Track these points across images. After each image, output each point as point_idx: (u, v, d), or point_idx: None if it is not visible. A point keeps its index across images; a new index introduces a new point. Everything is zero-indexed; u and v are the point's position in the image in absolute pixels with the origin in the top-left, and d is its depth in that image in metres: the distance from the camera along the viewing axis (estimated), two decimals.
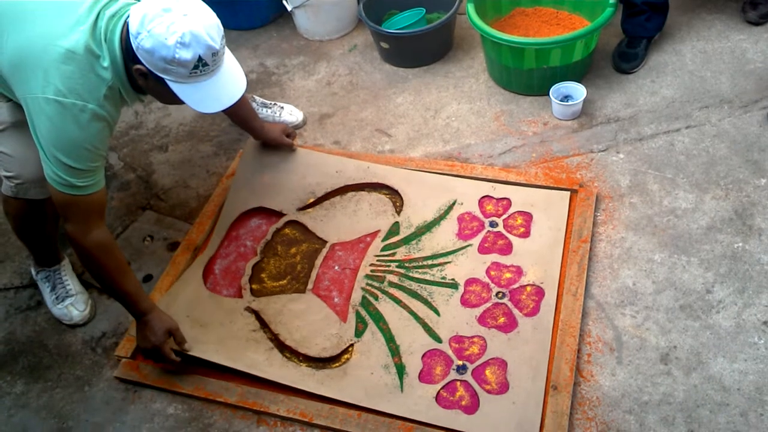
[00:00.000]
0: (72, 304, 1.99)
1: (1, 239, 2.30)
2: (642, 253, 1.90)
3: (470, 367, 1.71)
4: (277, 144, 2.20)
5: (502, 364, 1.69)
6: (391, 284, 1.91)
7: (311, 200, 2.14)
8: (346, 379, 1.72)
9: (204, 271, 2.01)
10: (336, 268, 1.98)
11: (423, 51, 2.63)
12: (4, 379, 1.91)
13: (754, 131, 2.15)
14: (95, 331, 1.98)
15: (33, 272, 2.08)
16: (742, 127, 2.17)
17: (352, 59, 2.77)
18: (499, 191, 2.07)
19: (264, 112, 2.43)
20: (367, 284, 1.92)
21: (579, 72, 2.38)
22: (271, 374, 1.73)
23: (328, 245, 2.03)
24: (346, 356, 1.78)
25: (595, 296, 1.82)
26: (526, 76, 2.35)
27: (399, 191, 2.12)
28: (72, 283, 2.03)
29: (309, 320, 1.87)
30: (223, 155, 2.45)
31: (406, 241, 2.01)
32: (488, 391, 1.65)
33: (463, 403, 1.65)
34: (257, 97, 2.49)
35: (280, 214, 2.12)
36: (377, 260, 1.98)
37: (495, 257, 1.92)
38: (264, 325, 1.87)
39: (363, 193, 2.16)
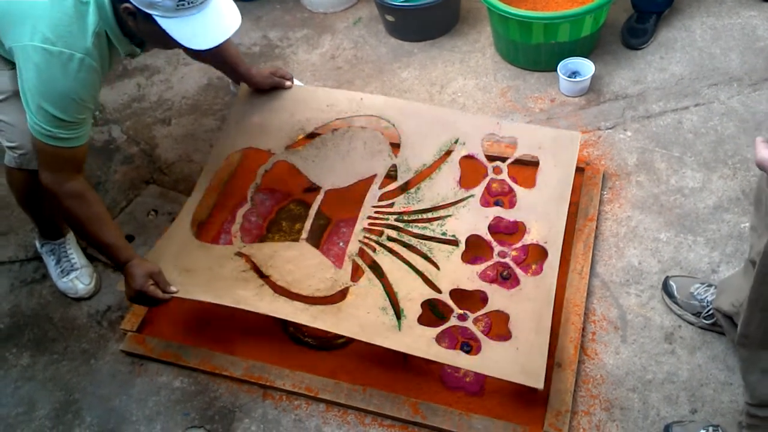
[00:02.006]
0: (77, 277, 2.00)
1: (5, 212, 2.29)
2: (648, 232, 1.89)
3: (471, 316, 1.67)
4: (269, 86, 2.08)
5: (504, 316, 1.65)
6: (390, 239, 1.84)
7: (300, 137, 2.04)
8: (341, 315, 1.66)
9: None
10: (340, 244, 1.98)
11: (429, 24, 2.60)
12: (10, 351, 1.92)
13: (763, 110, 2.13)
14: (100, 304, 1.98)
15: (38, 245, 2.07)
16: (751, 105, 2.15)
17: (357, 32, 2.74)
18: (505, 130, 1.92)
19: None
20: (365, 237, 1.85)
21: (587, 48, 2.36)
22: (261, 308, 1.67)
23: (322, 191, 1.94)
24: (340, 297, 1.72)
25: (600, 275, 1.82)
26: (534, 51, 2.32)
27: (395, 126, 1.99)
28: (77, 257, 2.03)
29: (302, 265, 1.80)
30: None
31: (405, 190, 1.92)
32: (490, 338, 1.61)
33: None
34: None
35: (268, 154, 2.03)
36: (375, 212, 1.90)
37: (497, 211, 1.85)
38: (255, 268, 1.80)
39: (356, 129, 2.02)
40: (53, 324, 1.96)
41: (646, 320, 1.73)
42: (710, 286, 1.68)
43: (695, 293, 1.68)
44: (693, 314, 1.68)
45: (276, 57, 2.69)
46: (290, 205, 2.11)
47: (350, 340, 1.77)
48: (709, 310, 1.64)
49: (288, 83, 2.08)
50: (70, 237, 2.05)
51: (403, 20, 2.58)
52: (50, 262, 2.03)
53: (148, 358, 1.82)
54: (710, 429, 1.45)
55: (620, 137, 2.14)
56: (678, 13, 2.49)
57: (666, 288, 1.74)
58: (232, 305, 1.68)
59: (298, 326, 1.81)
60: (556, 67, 2.29)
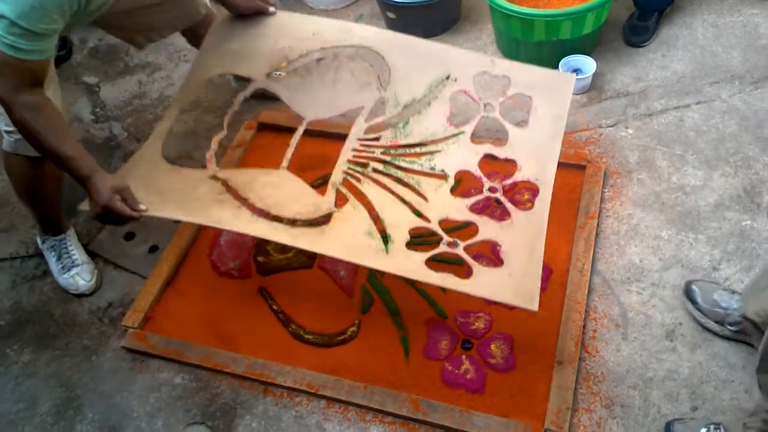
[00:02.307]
0: (78, 273, 2.00)
1: (6, 208, 2.29)
2: (649, 230, 1.89)
3: (461, 243, 1.61)
4: (252, 11, 1.94)
5: (495, 245, 1.61)
6: (375, 171, 1.77)
7: (283, 65, 1.93)
8: (324, 237, 1.61)
9: (210, 244, 2.02)
10: None
11: (430, 22, 2.59)
12: (12, 347, 1.92)
13: (764, 107, 2.13)
14: (101, 301, 1.98)
15: (39, 241, 2.07)
16: (752, 103, 2.15)
17: None
18: (498, 68, 1.80)
19: None
20: (349, 168, 1.77)
21: (589, 45, 2.35)
22: (238, 227, 1.61)
23: (304, 122, 1.87)
24: (323, 222, 1.66)
25: (601, 272, 1.82)
26: (535, 48, 2.32)
27: (385, 58, 1.87)
28: (78, 253, 2.03)
29: (283, 189, 1.74)
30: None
31: (393, 124, 1.82)
32: (481, 263, 1.57)
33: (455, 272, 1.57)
34: None
35: (248, 81, 1.92)
36: (360, 145, 1.82)
37: (488, 148, 1.75)
38: (231, 192, 1.72)
39: (344, 59, 1.89)
40: (54, 320, 1.96)
41: (647, 318, 1.73)
42: (734, 293, 1.64)
43: (719, 300, 1.63)
44: (716, 322, 1.64)
45: None
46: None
47: (351, 337, 1.77)
48: (735, 320, 1.59)
49: (272, 9, 1.95)
50: (71, 233, 2.06)
51: (405, 17, 2.58)
52: (51, 258, 2.03)
53: (150, 355, 1.82)
54: (711, 427, 1.45)
55: (622, 135, 2.13)
56: (680, 10, 2.49)
57: (689, 293, 1.70)
58: (208, 224, 1.63)
59: (299, 324, 1.82)
60: (558, 64, 2.29)
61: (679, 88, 2.24)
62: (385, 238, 1.61)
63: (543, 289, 1.75)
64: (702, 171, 2.01)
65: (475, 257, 1.58)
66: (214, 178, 1.76)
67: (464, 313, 1.77)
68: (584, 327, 1.71)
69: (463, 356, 1.70)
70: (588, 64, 2.27)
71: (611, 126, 2.17)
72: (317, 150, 2.23)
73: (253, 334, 1.82)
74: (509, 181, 1.71)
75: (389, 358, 1.72)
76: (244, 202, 1.69)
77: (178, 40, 2.66)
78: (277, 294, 1.89)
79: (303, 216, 1.66)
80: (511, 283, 1.50)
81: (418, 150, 1.79)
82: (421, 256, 1.57)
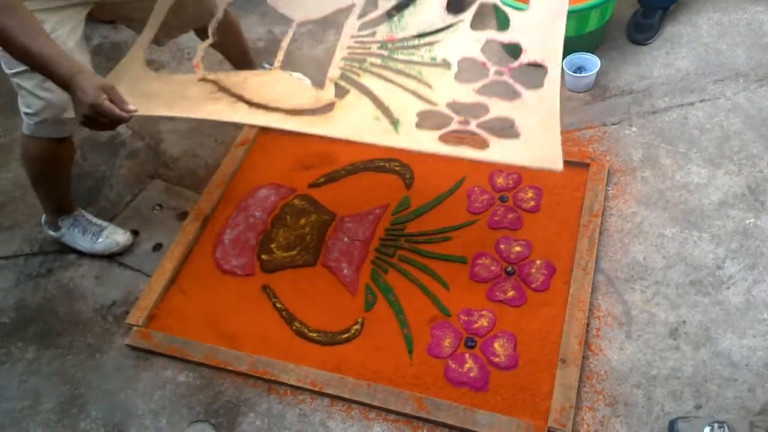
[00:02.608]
0: (111, 234, 2.06)
1: (10, 206, 2.29)
2: (653, 228, 1.89)
3: (474, 121, 1.58)
4: None
5: (509, 120, 1.55)
6: (373, 65, 1.70)
7: None
8: (329, 122, 1.54)
9: (214, 242, 2.02)
10: (345, 239, 1.98)
11: None
12: (16, 345, 1.93)
13: None
14: (106, 299, 1.99)
15: (52, 232, 2.09)
16: (757, 101, 2.15)
17: None
18: None
19: None
20: (346, 64, 1.70)
21: (592, 43, 2.35)
22: (239, 118, 1.56)
23: (294, 24, 1.82)
24: (327, 111, 1.61)
25: (605, 271, 1.82)
26: None
27: None
28: (97, 220, 2.08)
29: (277, 86, 1.68)
30: (231, 125, 2.42)
31: (387, 18, 1.78)
32: (496, 136, 1.52)
33: (471, 143, 1.56)
34: (266, 64, 2.47)
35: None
36: (354, 42, 1.75)
37: (489, 33, 1.69)
38: (225, 90, 1.66)
39: None
40: (58, 318, 1.97)
41: (651, 316, 1.72)
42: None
43: None
44: None
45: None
46: (294, 200, 2.11)
47: (355, 335, 1.77)
48: None
49: None
50: (80, 209, 2.09)
51: None
52: (76, 234, 2.06)
53: (153, 353, 1.83)
54: (715, 425, 1.45)
55: (625, 133, 2.13)
56: (684, 8, 2.48)
57: None
58: (203, 116, 1.55)
59: (303, 321, 1.82)
60: (561, 62, 2.28)
61: (683, 85, 2.24)
62: (394, 122, 1.55)
63: (546, 288, 1.77)
64: (706, 169, 2.00)
65: (487, 132, 1.52)
66: (204, 80, 1.68)
67: (468, 311, 1.77)
68: (588, 325, 1.71)
69: (467, 354, 1.70)
70: (592, 61, 2.26)
71: (615, 124, 2.16)
72: (321, 148, 2.23)
73: (256, 332, 1.82)
74: (515, 64, 1.66)
75: (393, 356, 1.72)
76: (240, 98, 1.61)
77: (182, 37, 2.66)
78: (281, 292, 1.89)
79: (304, 107, 1.58)
80: (530, 149, 1.44)
81: (416, 42, 1.73)
82: (433, 134, 1.52)
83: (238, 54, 2.21)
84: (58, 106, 1.67)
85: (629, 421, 1.56)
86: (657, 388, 1.60)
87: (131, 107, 1.44)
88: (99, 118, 1.41)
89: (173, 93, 1.64)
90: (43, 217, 2.09)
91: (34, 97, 1.68)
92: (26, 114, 1.74)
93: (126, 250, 2.08)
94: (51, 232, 2.10)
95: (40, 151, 1.83)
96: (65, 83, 1.41)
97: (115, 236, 2.06)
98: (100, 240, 2.04)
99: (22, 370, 1.87)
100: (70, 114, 1.50)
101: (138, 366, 1.82)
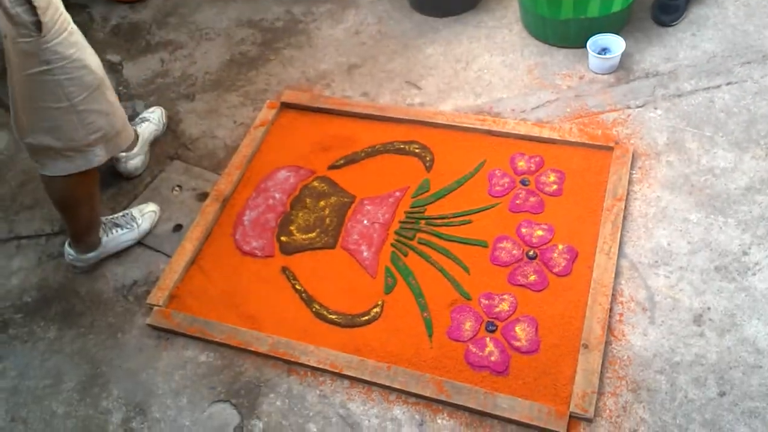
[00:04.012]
0: (142, 211, 2.06)
1: (31, 185, 2.30)
2: (678, 213, 1.86)
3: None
4: None
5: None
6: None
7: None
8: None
9: (233, 223, 2.02)
10: (365, 222, 1.97)
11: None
12: (38, 324, 1.94)
13: None
14: (126, 279, 1.99)
15: (92, 252, 1.98)
16: None
17: (381, 7, 2.70)
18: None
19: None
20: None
21: (617, 24, 2.30)
22: None
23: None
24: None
25: (628, 255, 1.80)
26: (563, 26, 2.27)
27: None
28: (118, 213, 2.04)
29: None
30: (249, 105, 2.42)
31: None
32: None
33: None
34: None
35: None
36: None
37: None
38: None
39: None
40: (80, 298, 1.98)
41: (675, 302, 1.70)
42: None
43: None
44: None
45: (299, 32, 2.66)
46: (314, 182, 2.10)
47: (375, 318, 1.77)
48: None
49: None
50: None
51: None
52: (118, 235, 2.00)
53: (174, 333, 1.83)
54: None
55: (650, 116, 2.09)
56: None
57: None
58: None
59: (322, 303, 1.82)
60: (585, 43, 2.24)
61: (709, 68, 2.19)
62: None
63: (569, 272, 1.76)
64: (732, 153, 1.96)
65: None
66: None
67: (488, 295, 1.76)
68: (611, 310, 1.69)
69: (487, 338, 1.69)
70: (616, 43, 2.22)
71: (640, 107, 2.12)
72: (340, 131, 2.22)
73: (275, 313, 1.82)
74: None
75: (413, 340, 1.72)
76: None
77: (200, 17, 2.65)
78: (300, 274, 1.89)
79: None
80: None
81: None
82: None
83: None
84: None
85: (652, 408, 1.55)
86: (680, 375, 1.59)
87: None
88: None
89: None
90: (71, 250, 1.97)
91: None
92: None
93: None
94: (91, 254, 1.98)
95: (63, 187, 1.78)
96: None
97: (147, 209, 2.07)
98: (140, 221, 2.03)
99: (44, 348, 1.88)
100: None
101: (159, 346, 1.83)
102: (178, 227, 2.09)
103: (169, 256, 1.99)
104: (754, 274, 1.72)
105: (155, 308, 1.86)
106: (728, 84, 2.14)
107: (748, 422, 1.49)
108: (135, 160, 2.21)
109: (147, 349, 1.83)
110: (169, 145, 2.34)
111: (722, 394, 1.55)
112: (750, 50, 2.22)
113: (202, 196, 2.14)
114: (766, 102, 2.06)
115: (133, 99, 2.53)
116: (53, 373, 1.83)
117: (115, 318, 1.91)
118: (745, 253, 1.76)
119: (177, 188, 2.20)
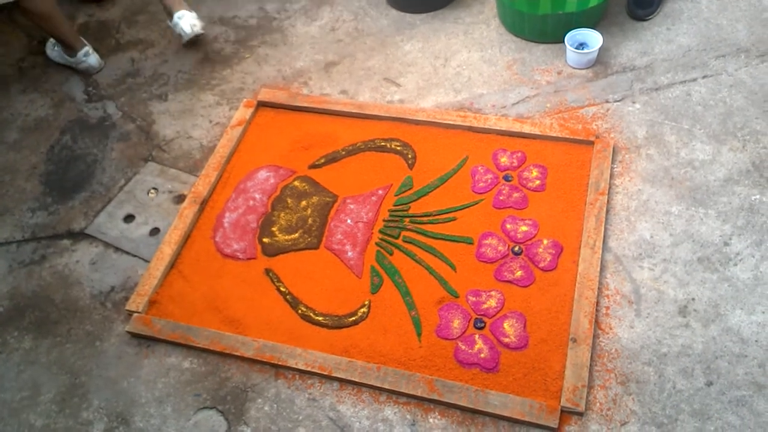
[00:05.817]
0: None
1: (0, 191, 2.23)
2: (659, 206, 1.88)
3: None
4: None
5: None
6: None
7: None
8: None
9: (213, 225, 1.97)
10: (348, 221, 1.94)
11: None
12: (11, 334, 1.87)
13: None
14: (103, 285, 1.93)
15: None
16: (759, 77, 2.13)
17: (357, 3, 2.67)
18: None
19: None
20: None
21: (594, 18, 2.31)
22: None
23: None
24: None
25: (612, 249, 1.81)
26: (540, 22, 2.27)
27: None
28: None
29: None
30: (225, 104, 2.37)
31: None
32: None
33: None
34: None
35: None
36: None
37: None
38: None
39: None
40: (55, 306, 1.91)
41: (660, 294, 1.72)
42: None
43: None
44: None
45: (274, 30, 2.62)
46: (295, 181, 2.07)
47: (362, 318, 1.75)
48: None
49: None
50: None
51: None
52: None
53: (156, 340, 1.78)
54: None
55: (629, 110, 2.11)
56: None
57: None
58: None
59: (308, 305, 1.79)
60: (563, 38, 2.25)
61: (685, 61, 2.22)
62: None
63: (554, 267, 1.76)
64: (710, 145, 1.99)
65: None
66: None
67: (476, 292, 1.75)
68: (597, 304, 1.70)
69: (476, 335, 1.68)
70: (594, 38, 2.23)
71: (618, 101, 2.14)
72: (320, 129, 2.19)
73: (260, 316, 1.78)
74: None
75: (401, 339, 1.70)
76: None
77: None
78: (284, 275, 1.86)
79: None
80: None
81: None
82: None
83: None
84: None
85: (641, 399, 1.56)
86: (668, 366, 1.60)
87: None
88: None
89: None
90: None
91: None
92: None
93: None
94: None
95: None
96: None
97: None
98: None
99: (19, 359, 1.82)
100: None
101: (140, 353, 1.78)
102: (155, 231, 2.03)
103: (147, 261, 1.94)
104: (735, 264, 1.74)
105: (135, 315, 1.81)
106: (704, 77, 2.17)
107: (735, 410, 1.51)
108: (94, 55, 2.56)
109: (127, 357, 1.78)
110: (142, 147, 2.28)
111: (709, 383, 1.56)
112: (723, 43, 2.25)
113: (179, 199, 2.09)
114: (742, 95, 2.10)
115: (103, 100, 2.46)
116: (30, 385, 1.77)
117: (93, 326, 1.86)
118: (726, 244, 1.78)
119: (153, 191, 2.14)
